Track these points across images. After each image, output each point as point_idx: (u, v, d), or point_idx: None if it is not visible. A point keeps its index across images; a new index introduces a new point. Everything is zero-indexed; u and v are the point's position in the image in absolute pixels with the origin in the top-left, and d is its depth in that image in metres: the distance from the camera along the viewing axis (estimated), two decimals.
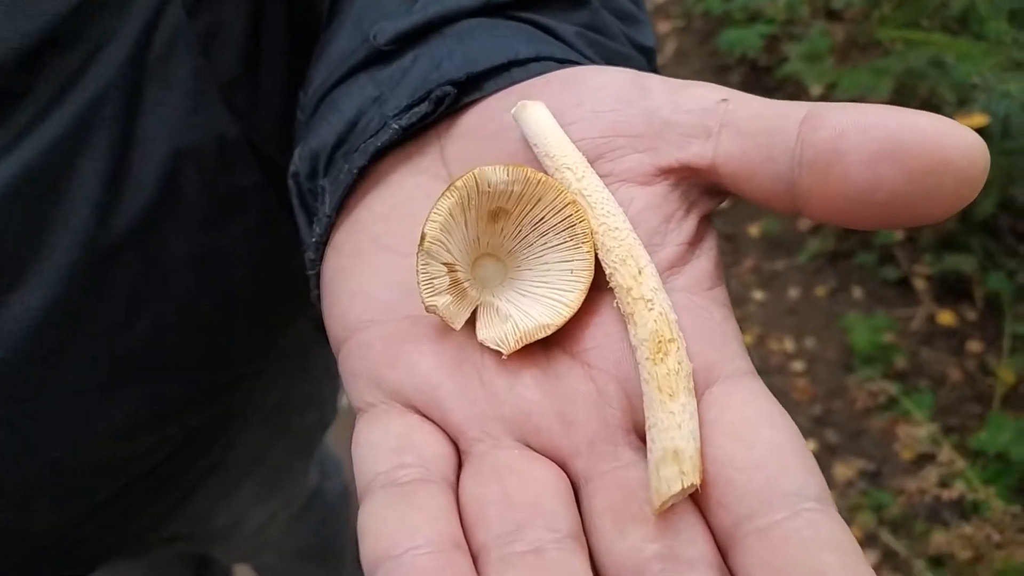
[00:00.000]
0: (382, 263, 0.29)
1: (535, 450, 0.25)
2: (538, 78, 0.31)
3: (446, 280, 0.26)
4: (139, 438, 0.44)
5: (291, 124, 0.48)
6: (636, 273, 0.25)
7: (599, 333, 0.26)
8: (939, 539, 1.33)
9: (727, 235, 1.99)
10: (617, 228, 0.26)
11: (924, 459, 1.50)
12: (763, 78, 1.90)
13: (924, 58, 1.26)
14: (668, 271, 0.27)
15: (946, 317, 1.74)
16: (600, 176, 0.27)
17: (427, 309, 0.26)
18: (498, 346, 0.26)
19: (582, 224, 0.26)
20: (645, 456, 0.24)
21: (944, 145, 0.22)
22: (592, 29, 0.35)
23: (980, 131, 1.19)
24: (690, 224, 0.28)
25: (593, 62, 0.33)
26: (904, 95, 1.36)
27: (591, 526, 0.23)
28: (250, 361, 0.52)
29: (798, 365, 1.78)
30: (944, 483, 1.31)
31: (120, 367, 0.39)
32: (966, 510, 1.39)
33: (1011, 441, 1.44)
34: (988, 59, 1.19)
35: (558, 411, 0.25)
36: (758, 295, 1.89)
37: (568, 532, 0.23)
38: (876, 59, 1.48)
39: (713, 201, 0.29)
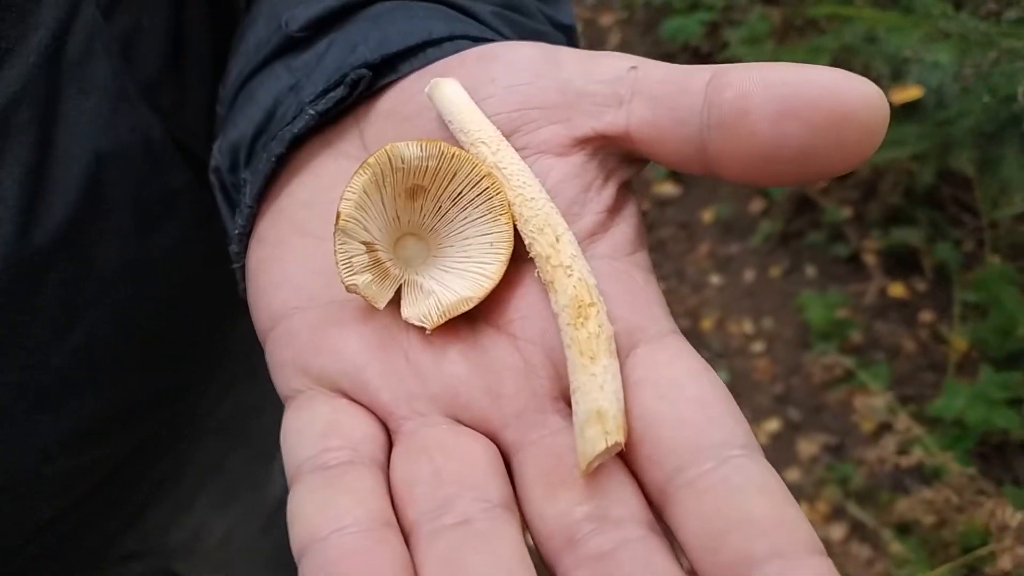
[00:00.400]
0: (305, 250, 0.29)
1: (465, 425, 0.25)
2: (453, 56, 0.31)
3: (365, 259, 0.26)
4: (82, 452, 0.43)
5: (208, 108, 0.47)
6: (554, 241, 0.25)
7: (523, 304, 0.26)
8: (903, 506, 1.36)
9: (681, 222, 2.01)
10: (533, 199, 0.26)
11: (884, 429, 1.53)
12: (705, 63, 1.92)
13: (858, 34, 1.28)
14: (588, 239, 0.27)
15: (897, 289, 1.77)
16: (517, 149, 0.27)
17: (347, 289, 0.26)
18: (421, 322, 0.26)
19: (499, 196, 0.26)
20: (571, 423, 0.24)
21: (844, 98, 0.23)
22: (509, 8, 0.35)
23: (915, 102, 1.21)
24: (609, 192, 0.28)
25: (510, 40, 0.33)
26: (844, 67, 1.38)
27: (523, 495, 0.23)
28: (195, 367, 0.51)
29: (758, 346, 1.80)
30: (903, 451, 1.34)
31: (56, 380, 0.38)
32: (927, 476, 1.42)
33: (966, 406, 1.47)
34: (917, 31, 1.21)
35: (485, 384, 0.25)
36: (715, 279, 1.91)
37: (499, 502, 0.23)
38: (813, 39, 1.51)
39: (631, 168, 0.29)
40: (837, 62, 1.35)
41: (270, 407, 0.70)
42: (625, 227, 0.28)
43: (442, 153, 0.26)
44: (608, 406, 0.22)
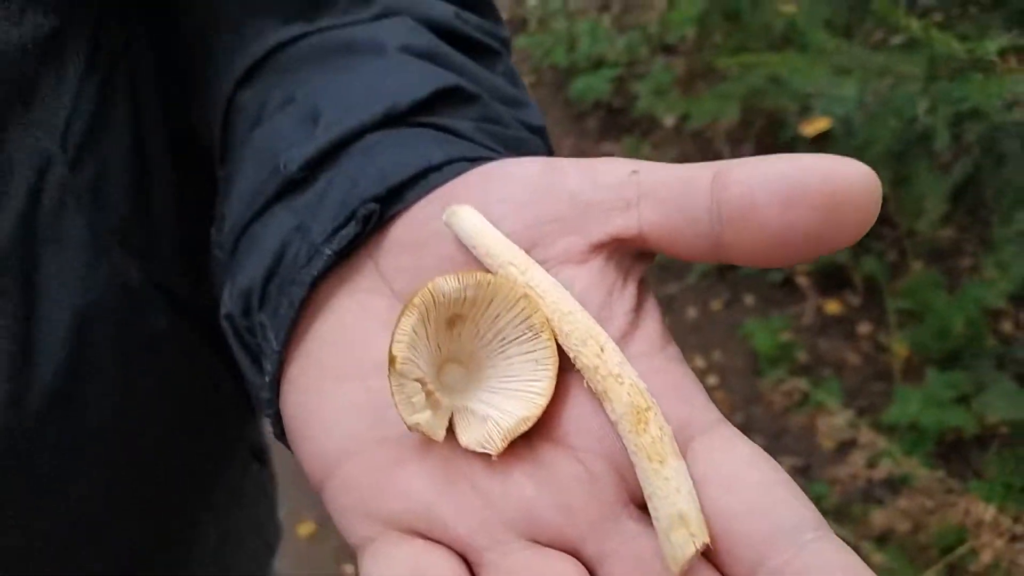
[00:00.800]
0: (344, 393, 0.29)
1: (544, 545, 0.25)
2: (456, 180, 0.32)
3: (422, 397, 0.26)
4: None
5: (192, 257, 0.47)
6: (599, 351, 0.26)
7: (575, 414, 0.27)
8: (879, 518, 1.39)
9: None
10: (571, 312, 0.27)
11: (846, 445, 1.57)
12: (618, 118, 2.00)
13: (761, 78, 1.36)
14: (622, 340, 0.28)
15: (833, 306, 1.84)
16: (538, 263, 0.29)
17: (410, 429, 0.26)
18: (484, 448, 0.26)
19: (537, 315, 0.27)
20: (649, 524, 0.25)
21: (842, 180, 0.25)
22: (487, 120, 0.36)
23: (826, 133, 1.28)
24: (631, 291, 0.29)
25: (496, 152, 0.35)
26: (751, 113, 1.45)
27: None
28: (186, 514, 0.50)
29: (712, 379, 1.84)
30: (871, 464, 1.38)
31: (53, 543, 0.37)
32: (896, 485, 1.46)
33: (919, 411, 1.52)
34: (817, 68, 1.29)
35: (556, 501, 0.26)
36: None
37: None
38: (718, 84, 1.58)
39: (644, 264, 0.30)
40: (746, 105, 1.42)
41: (255, 529, 0.69)
42: (652, 322, 0.29)
43: (479, 282, 0.27)
44: (688, 508, 0.23)
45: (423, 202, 0.32)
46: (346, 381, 0.30)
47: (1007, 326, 1.77)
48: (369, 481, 0.27)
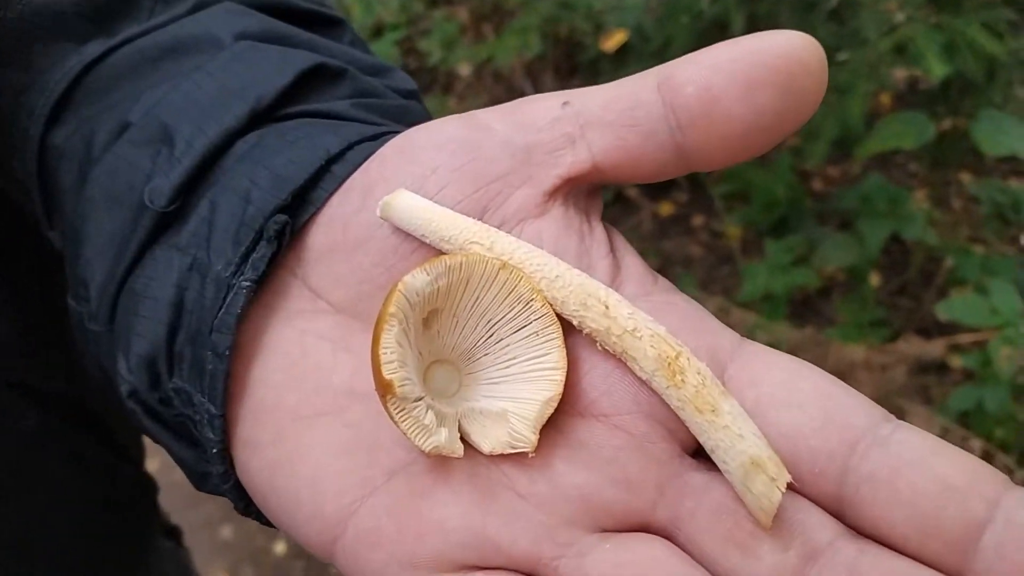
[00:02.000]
0: (319, 436, 0.25)
1: (613, 530, 0.23)
2: (367, 164, 0.28)
3: (432, 415, 0.23)
4: None
5: (31, 339, 0.41)
6: (604, 310, 0.23)
7: (595, 379, 0.25)
8: None
9: None
10: (558, 276, 0.24)
11: None
12: (416, 78, 1.95)
13: (552, 5, 1.36)
14: (613, 286, 0.26)
15: (666, 208, 1.91)
16: (496, 227, 0.26)
17: (430, 454, 0.23)
18: (515, 447, 0.23)
19: (522, 283, 0.24)
20: (712, 470, 0.23)
21: (795, 52, 0.23)
22: (361, 95, 0.33)
23: (625, 45, 1.30)
24: (599, 230, 0.27)
25: (386, 126, 0.31)
26: (551, 40, 1.46)
27: (718, 566, 0.22)
28: None
29: None
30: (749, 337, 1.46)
31: None
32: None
33: (768, 280, 1.62)
34: None
35: (610, 477, 0.23)
36: None
37: None
38: (506, 23, 1.57)
39: (598, 199, 0.28)
40: (544, 35, 1.42)
41: None
42: (631, 258, 0.27)
43: (449, 267, 0.24)
44: (759, 451, 0.21)
45: (337, 198, 0.28)
46: (316, 422, 0.26)
47: (817, 184, 1.91)
48: (394, 527, 0.23)
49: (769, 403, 0.23)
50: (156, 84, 0.31)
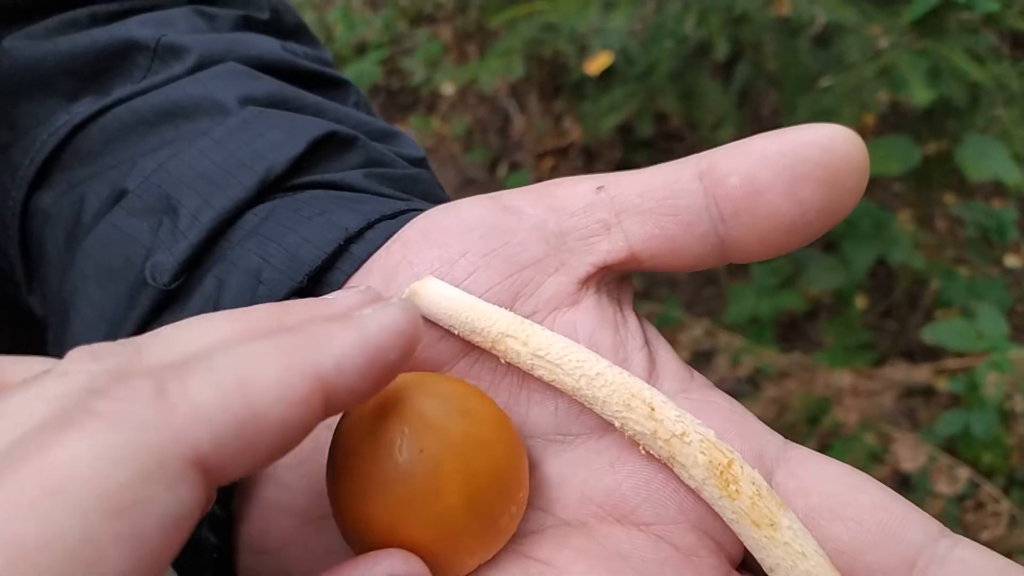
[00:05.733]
0: (332, 539, 0.23)
1: None
2: (390, 245, 0.26)
3: None
4: None
5: None
6: (649, 412, 0.22)
7: (637, 483, 0.23)
8: (754, 409, 1.47)
9: None
10: (599, 374, 0.22)
11: (701, 356, 1.64)
12: (399, 98, 1.93)
13: (536, 27, 1.34)
14: (649, 381, 0.24)
15: None
16: (527, 315, 0.24)
17: None
18: None
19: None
20: None
21: (838, 146, 0.23)
22: (372, 164, 0.31)
23: (611, 67, 1.29)
24: (632, 321, 0.26)
25: (401, 199, 0.29)
26: (531, 64, 1.45)
27: None
28: None
29: None
30: (735, 363, 1.44)
31: None
32: (759, 377, 1.55)
33: (755, 304, 1.61)
34: (585, 9, 1.29)
35: None
36: None
37: None
38: (489, 44, 1.56)
39: (630, 287, 0.27)
40: (527, 56, 1.41)
41: None
42: (665, 351, 0.26)
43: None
44: (824, 572, 0.20)
45: (356, 280, 0.26)
46: (327, 524, 0.24)
47: None
48: None
49: (822, 514, 0.22)
50: (154, 149, 0.29)
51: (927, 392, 1.47)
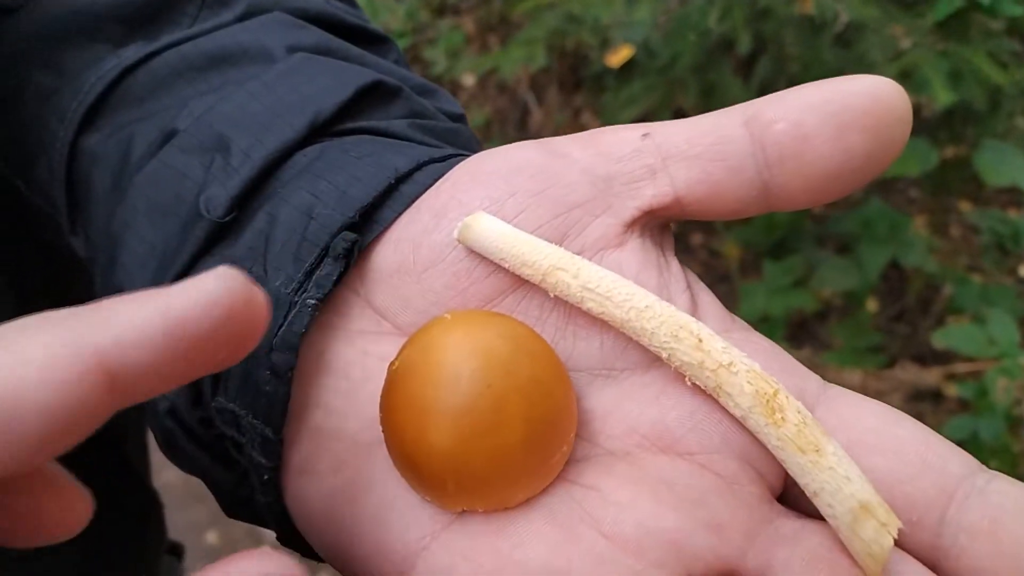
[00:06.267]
0: (384, 464, 0.24)
1: (703, 574, 0.22)
2: (439, 185, 0.27)
3: None
4: None
5: None
6: (697, 343, 0.22)
7: (681, 415, 0.23)
8: None
9: None
10: (648, 306, 0.23)
11: None
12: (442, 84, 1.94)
13: (559, 18, 1.35)
14: None
15: None
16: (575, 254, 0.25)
17: None
18: None
19: None
20: (803, 517, 0.22)
21: (883, 96, 0.23)
22: (415, 116, 0.32)
23: (631, 61, 1.30)
24: (675, 265, 0.26)
25: (445, 148, 0.30)
26: (552, 56, 1.45)
27: None
28: None
29: None
30: None
31: None
32: None
33: (766, 302, 1.61)
34: (609, 0, 1.30)
35: (700, 521, 0.22)
36: None
37: None
38: (511, 35, 1.57)
39: (670, 235, 0.28)
40: (550, 48, 1.41)
41: None
42: (708, 296, 0.26)
43: None
44: (868, 496, 0.20)
45: (406, 218, 0.27)
46: (379, 450, 0.24)
47: (818, 207, 1.91)
48: (469, 567, 0.22)
49: (862, 447, 0.22)
50: (202, 93, 0.30)
51: (936, 396, 1.47)
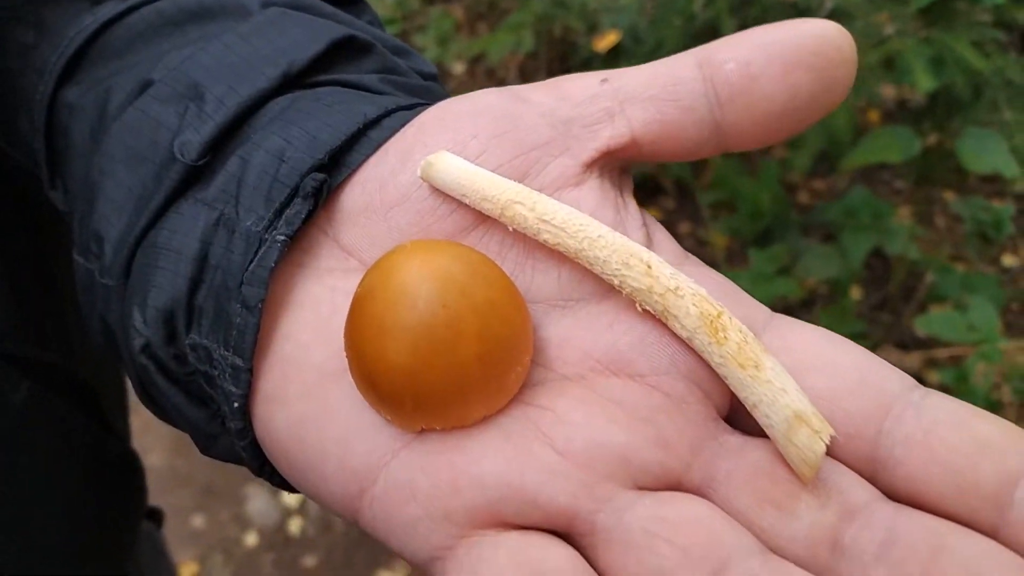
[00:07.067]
0: (349, 391, 0.25)
1: (651, 488, 0.23)
2: (405, 130, 0.28)
3: None
4: None
5: (24, 308, 0.40)
6: (646, 269, 0.23)
7: (632, 340, 0.25)
8: None
9: None
10: (600, 236, 0.24)
11: None
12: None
13: (546, 3, 1.36)
14: None
15: (653, 214, 1.91)
16: None
17: None
18: None
19: None
20: (747, 435, 0.23)
21: (830, 37, 0.25)
22: (386, 71, 0.33)
23: (618, 46, 1.31)
24: (633, 206, 0.28)
25: (416, 100, 0.31)
26: (544, 38, 1.46)
27: (754, 525, 0.22)
28: None
29: None
30: None
31: None
32: None
33: (751, 288, 1.62)
34: None
35: (648, 437, 0.23)
36: None
37: (760, 547, 0.21)
38: (503, 21, 1.57)
39: (630, 178, 0.29)
40: (536, 32, 1.42)
41: None
42: (662, 234, 0.27)
43: None
44: (802, 405, 0.21)
45: (373, 160, 0.28)
46: (345, 377, 0.25)
47: (803, 196, 1.93)
48: (428, 480, 0.23)
49: (803, 368, 0.23)
50: (179, 47, 0.31)
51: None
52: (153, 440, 1.65)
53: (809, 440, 0.21)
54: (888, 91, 1.88)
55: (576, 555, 0.22)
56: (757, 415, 0.22)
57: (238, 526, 1.60)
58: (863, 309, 1.69)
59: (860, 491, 0.22)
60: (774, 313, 0.25)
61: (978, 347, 1.36)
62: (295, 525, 1.58)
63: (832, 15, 1.32)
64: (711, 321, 0.22)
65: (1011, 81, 1.41)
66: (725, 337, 0.22)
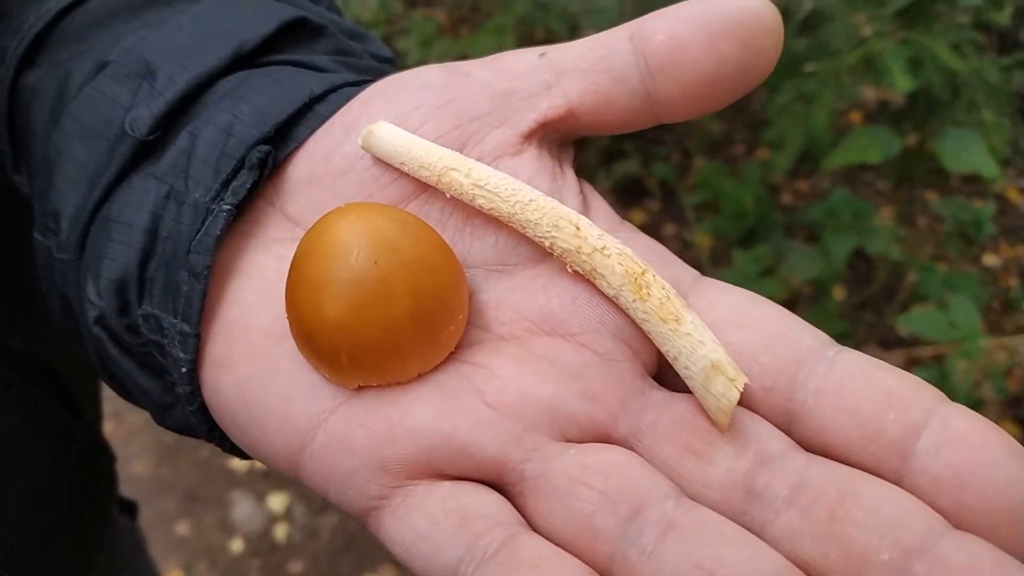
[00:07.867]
0: (292, 351, 0.26)
1: (579, 440, 0.24)
2: (351, 104, 0.29)
3: None
4: None
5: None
6: (575, 231, 0.24)
7: (564, 301, 0.26)
8: None
9: None
10: (532, 200, 0.25)
11: None
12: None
13: (528, 5, 1.37)
14: None
15: (637, 216, 1.93)
16: None
17: None
18: None
19: None
20: (672, 391, 0.24)
21: (753, 9, 0.25)
22: (339, 53, 0.34)
23: None
24: (571, 175, 0.28)
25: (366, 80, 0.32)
26: (525, 40, 1.47)
27: (674, 472, 0.23)
28: None
29: None
30: None
31: None
32: None
33: None
34: None
35: (575, 391, 0.24)
36: None
37: (678, 492, 0.22)
38: (486, 24, 1.58)
39: (570, 150, 0.30)
40: (519, 35, 1.43)
41: None
42: (599, 202, 0.28)
43: None
44: (718, 356, 0.22)
45: (320, 133, 0.29)
46: (288, 339, 0.26)
47: (786, 197, 1.94)
48: (364, 432, 0.24)
49: (724, 324, 0.24)
50: (136, 29, 0.32)
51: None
52: (138, 449, 1.65)
53: (724, 388, 0.22)
54: (870, 93, 1.90)
55: (504, 502, 0.23)
56: (678, 367, 0.23)
57: (223, 533, 1.59)
58: (846, 309, 1.70)
59: (774, 441, 0.22)
60: (701, 276, 0.26)
61: (960, 345, 1.37)
62: (281, 531, 1.58)
63: (811, 16, 1.34)
64: (635, 278, 0.23)
65: (988, 82, 1.42)
66: (648, 294, 0.23)
